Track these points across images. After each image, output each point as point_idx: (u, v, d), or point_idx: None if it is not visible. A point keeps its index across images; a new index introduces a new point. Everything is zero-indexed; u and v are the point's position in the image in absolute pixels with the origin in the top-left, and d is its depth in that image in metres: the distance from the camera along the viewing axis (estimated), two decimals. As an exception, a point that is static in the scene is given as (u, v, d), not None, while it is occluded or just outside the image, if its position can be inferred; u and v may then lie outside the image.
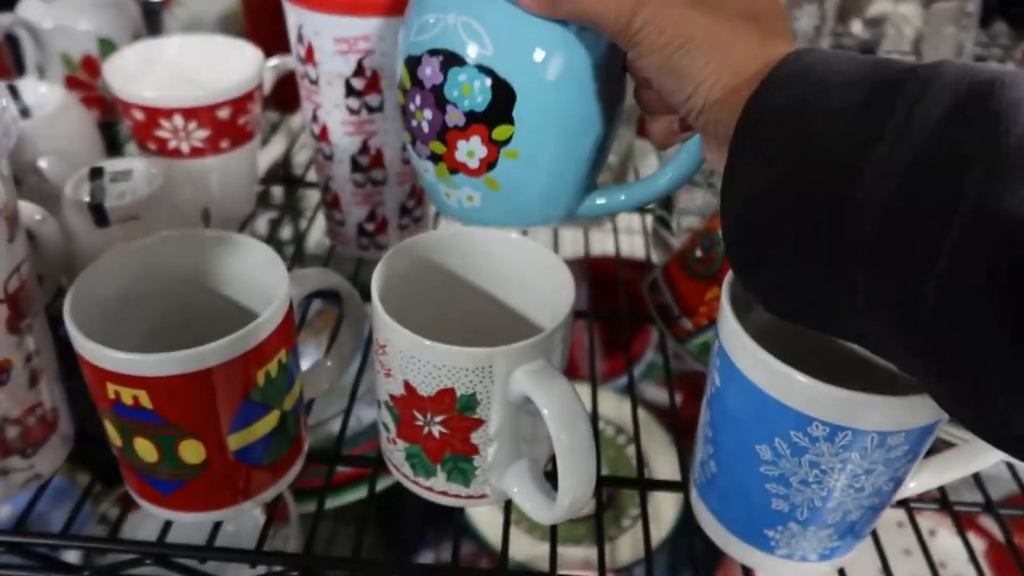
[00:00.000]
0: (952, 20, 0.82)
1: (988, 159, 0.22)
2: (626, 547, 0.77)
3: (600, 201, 0.37)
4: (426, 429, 0.34)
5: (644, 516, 0.41)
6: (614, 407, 0.86)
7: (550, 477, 0.39)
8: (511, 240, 0.38)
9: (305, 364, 0.81)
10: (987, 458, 0.36)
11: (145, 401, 0.32)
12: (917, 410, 0.30)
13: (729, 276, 0.34)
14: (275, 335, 0.34)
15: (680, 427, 0.47)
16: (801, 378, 0.29)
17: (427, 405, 0.33)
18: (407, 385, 0.33)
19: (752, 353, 0.31)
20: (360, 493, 0.72)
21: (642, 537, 0.44)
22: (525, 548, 0.76)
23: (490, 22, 0.32)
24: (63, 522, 0.40)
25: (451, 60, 0.32)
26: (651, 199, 0.38)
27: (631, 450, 0.85)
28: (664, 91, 0.31)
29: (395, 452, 0.37)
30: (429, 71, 0.33)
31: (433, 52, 0.33)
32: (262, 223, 1.03)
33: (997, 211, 0.21)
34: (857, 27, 0.94)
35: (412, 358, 0.33)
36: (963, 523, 0.41)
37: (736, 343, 0.32)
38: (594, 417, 0.47)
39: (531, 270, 0.38)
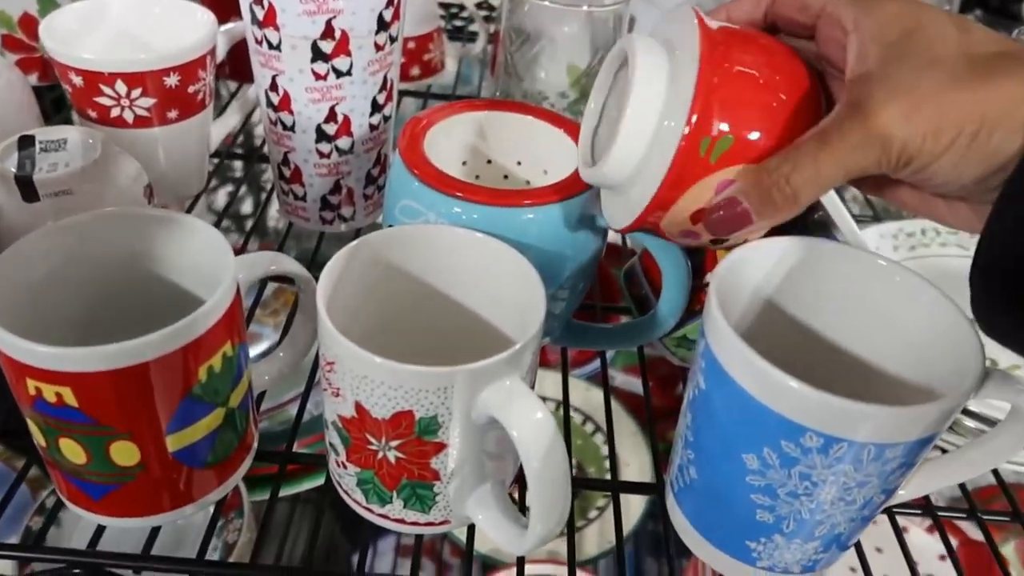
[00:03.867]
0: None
1: None
2: (592, 539, 0.75)
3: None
4: (380, 454, 0.31)
5: (617, 520, 0.39)
6: (582, 394, 0.84)
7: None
8: (477, 240, 0.35)
9: (262, 346, 0.77)
10: (979, 467, 0.34)
11: (70, 399, 0.29)
12: (917, 421, 0.27)
13: (717, 271, 0.32)
14: (219, 326, 0.31)
15: (651, 417, 0.44)
16: (795, 384, 0.27)
17: (382, 429, 0.30)
18: (359, 407, 0.30)
19: (742, 356, 0.28)
20: (317, 480, 0.69)
21: (608, 529, 0.41)
22: (490, 538, 0.74)
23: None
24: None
25: None
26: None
27: (599, 438, 0.84)
28: (969, 187, 0.25)
29: (345, 476, 0.33)
30: None
31: None
32: (221, 196, 0.98)
33: None
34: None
35: (364, 378, 0.29)
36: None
37: (725, 345, 0.29)
38: (565, 409, 0.45)
39: (499, 274, 0.34)
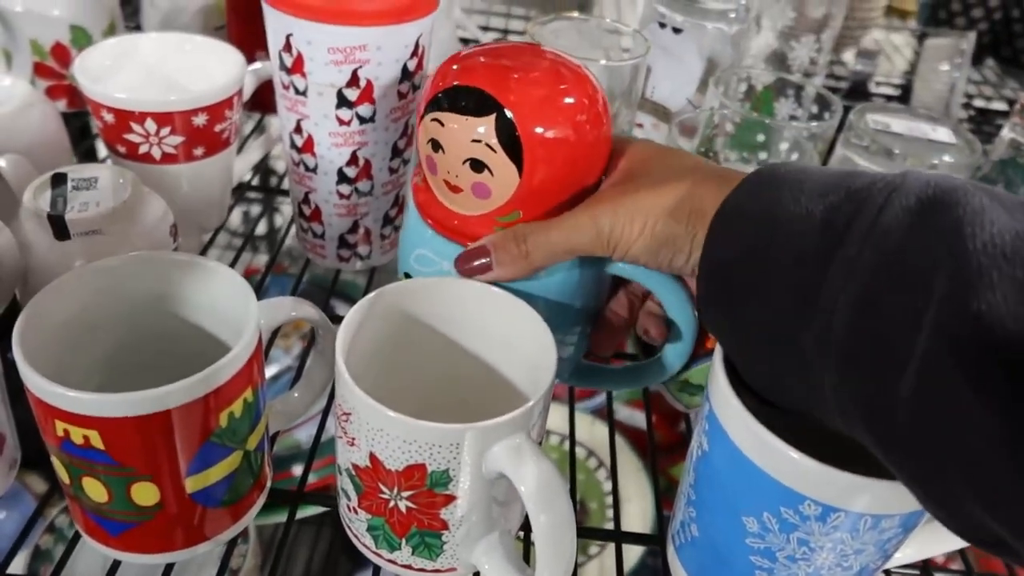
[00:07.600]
0: (946, 57, 0.82)
1: (953, 264, 0.23)
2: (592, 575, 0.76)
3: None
4: (392, 503, 0.32)
5: (619, 571, 0.39)
6: (587, 428, 0.85)
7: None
8: (492, 294, 0.36)
9: (272, 369, 0.78)
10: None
11: (96, 442, 0.30)
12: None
13: (722, 334, 0.33)
14: (241, 374, 0.32)
15: (652, 451, 0.46)
16: (794, 455, 0.28)
17: (394, 479, 0.31)
18: (373, 457, 0.31)
19: (745, 424, 0.29)
20: (325, 506, 0.70)
21: (608, 566, 0.42)
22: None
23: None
24: (12, 528, 0.37)
25: None
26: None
27: (602, 473, 0.84)
28: (664, 265, 0.33)
29: (356, 521, 0.35)
30: None
31: None
32: (236, 215, 1.00)
33: (964, 316, 0.22)
34: (849, 57, 0.93)
35: (380, 431, 0.30)
36: None
37: (728, 411, 0.30)
38: (572, 445, 0.46)
39: (511, 326, 0.35)
